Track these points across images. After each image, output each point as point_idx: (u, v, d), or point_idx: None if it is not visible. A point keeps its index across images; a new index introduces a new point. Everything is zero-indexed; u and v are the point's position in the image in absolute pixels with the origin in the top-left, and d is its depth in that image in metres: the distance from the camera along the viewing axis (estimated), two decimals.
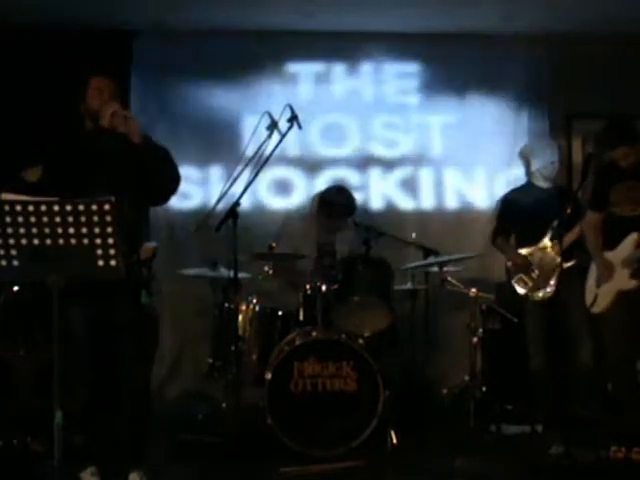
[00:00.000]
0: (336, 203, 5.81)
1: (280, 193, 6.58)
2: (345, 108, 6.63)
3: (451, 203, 6.70)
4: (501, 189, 6.25)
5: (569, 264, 5.07)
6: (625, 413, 4.74)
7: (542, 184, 5.44)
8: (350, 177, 6.60)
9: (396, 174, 6.66)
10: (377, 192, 6.64)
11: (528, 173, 5.57)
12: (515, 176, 6.20)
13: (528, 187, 5.54)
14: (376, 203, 6.64)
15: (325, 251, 5.84)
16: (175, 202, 5.73)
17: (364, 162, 6.65)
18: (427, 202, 6.68)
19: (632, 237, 4.67)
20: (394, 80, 6.67)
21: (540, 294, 5.23)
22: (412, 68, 6.66)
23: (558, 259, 5.02)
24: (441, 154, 6.67)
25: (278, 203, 6.59)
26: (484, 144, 6.61)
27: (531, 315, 5.35)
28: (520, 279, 5.34)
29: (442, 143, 6.66)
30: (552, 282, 5.18)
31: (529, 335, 5.35)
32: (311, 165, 6.61)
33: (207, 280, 5.57)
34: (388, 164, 6.66)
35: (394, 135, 6.67)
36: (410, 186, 6.66)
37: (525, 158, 5.63)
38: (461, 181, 6.70)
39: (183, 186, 4.37)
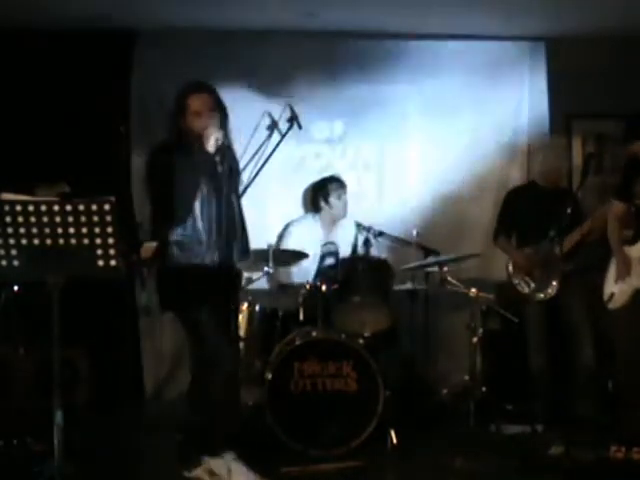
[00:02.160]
0: (329, 181, 5.96)
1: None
2: None
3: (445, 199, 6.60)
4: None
5: (569, 267, 5.06)
6: (625, 413, 4.73)
7: (543, 184, 5.45)
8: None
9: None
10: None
11: (529, 173, 5.58)
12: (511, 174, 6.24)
13: (530, 187, 5.55)
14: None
15: (327, 251, 5.87)
16: None
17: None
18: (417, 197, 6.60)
19: None
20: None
21: (542, 294, 5.23)
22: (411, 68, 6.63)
23: (560, 260, 5.01)
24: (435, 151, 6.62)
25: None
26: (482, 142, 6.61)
27: (531, 315, 5.36)
28: (522, 279, 5.34)
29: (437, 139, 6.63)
30: (554, 283, 5.18)
31: (529, 335, 5.36)
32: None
33: None
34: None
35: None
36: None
37: (526, 158, 5.63)
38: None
39: None
